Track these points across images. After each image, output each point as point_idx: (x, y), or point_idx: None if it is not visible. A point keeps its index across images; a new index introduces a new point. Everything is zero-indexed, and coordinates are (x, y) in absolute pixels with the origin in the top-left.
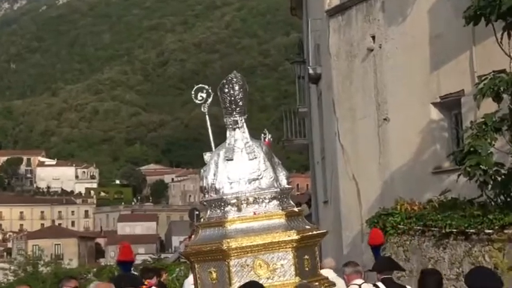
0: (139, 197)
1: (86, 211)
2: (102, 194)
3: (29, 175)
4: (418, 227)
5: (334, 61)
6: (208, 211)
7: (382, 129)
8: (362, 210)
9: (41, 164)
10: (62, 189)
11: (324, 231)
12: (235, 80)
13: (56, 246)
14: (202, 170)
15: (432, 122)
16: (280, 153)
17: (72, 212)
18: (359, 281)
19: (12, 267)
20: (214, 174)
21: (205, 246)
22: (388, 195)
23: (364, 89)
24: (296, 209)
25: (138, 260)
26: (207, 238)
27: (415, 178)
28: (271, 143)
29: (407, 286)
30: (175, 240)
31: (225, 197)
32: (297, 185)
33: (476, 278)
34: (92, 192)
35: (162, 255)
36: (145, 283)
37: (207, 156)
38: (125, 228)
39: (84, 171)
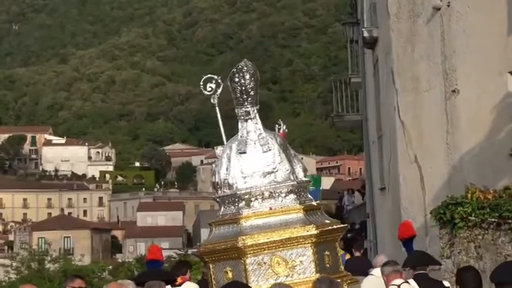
0: (162, 182)
1: (100, 198)
2: (119, 178)
3: (33, 156)
4: (493, 219)
5: (394, 22)
6: (222, 208)
7: (450, 102)
8: (426, 198)
9: (48, 143)
10: (72, 172)
11: (345, 225)
12: (245, 68)
13: (65, 239)
14: (214, 165)
15: (510, 95)
16: (329, 131)
17: (84, 199)
18: (398, 281)
19: (14, 264)
20: (227, 169)
21: (219, 245)
22: (456, 182)
23: (429, 55)
24: (314, 203)
25: None
26: (221, 236)
27: (489, 161)
28: (285, 134)
29: (444, 282)
30: (205, 233)
31: (238, 192)
32: (348, 168)
33: (504, 272)
34: (108, 176)
35: (190, 251)
36: (179, 280)
37: (218, 150)
38: (146, 219)
39: (98, 152)
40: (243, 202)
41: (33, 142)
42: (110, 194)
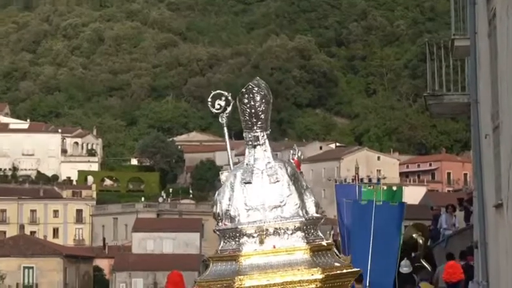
0: (171, 190)
1: (79, 211)
2: (108, 182)
3: None
4: None
5: None
6: (222, 242)
7: None
8: None
9: (3, 129)
10: (39, 172)
11: (357, 269)
12: (256, 89)
13: (26, 270)
14: (216, 194)
15: None
16: (420, 118)
17: (55, 212)
18: None
19: None
20: (230, 199)
21: (214, 284)
22: None
23: None
24: (325, 243)
25: None
26: (217, 274)
27: None
28: (300, 163)
29: None
30: None
31: (240, 226)
32: (448, 174)
33: None
34: (90, 178)
35: None
36: None
37: (223, 176)
38: (146, 243)
39: (76, 143)
40: (247, 238)
41: None
42: (93, 205)
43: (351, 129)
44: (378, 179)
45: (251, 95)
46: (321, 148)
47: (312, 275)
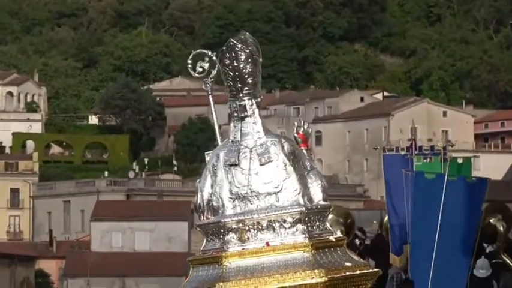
0: (147, 160)
1: (14, 191)
2: (56, 149)
3: None
4: None
5: None
6: (204, 241)
7: None
8: None
9: None
10: None
11: (375, 270)
12: (240, 46)
13: None
14: (197, 181)
15: None
16: (505, 56)
17: None
18: None
19: None
20: (212, 187)
21: None
22: None
23: None
24: (333, 238)
25: None
26: (197, 281)
27: None
28: (307, 138)
29: None
30: None
31: (224, 220)
32: None
33: None
34: (31, 144)
35: None
36: None
37: (209, 157)
38: (111, 237)
39: (10, 93)
40: (234, 234)
41: None
42: (34, 182)
43: (405, 72)
44: (445, 146)
45: (233, 54)
46: (362, 100)
47: (313, 278)
